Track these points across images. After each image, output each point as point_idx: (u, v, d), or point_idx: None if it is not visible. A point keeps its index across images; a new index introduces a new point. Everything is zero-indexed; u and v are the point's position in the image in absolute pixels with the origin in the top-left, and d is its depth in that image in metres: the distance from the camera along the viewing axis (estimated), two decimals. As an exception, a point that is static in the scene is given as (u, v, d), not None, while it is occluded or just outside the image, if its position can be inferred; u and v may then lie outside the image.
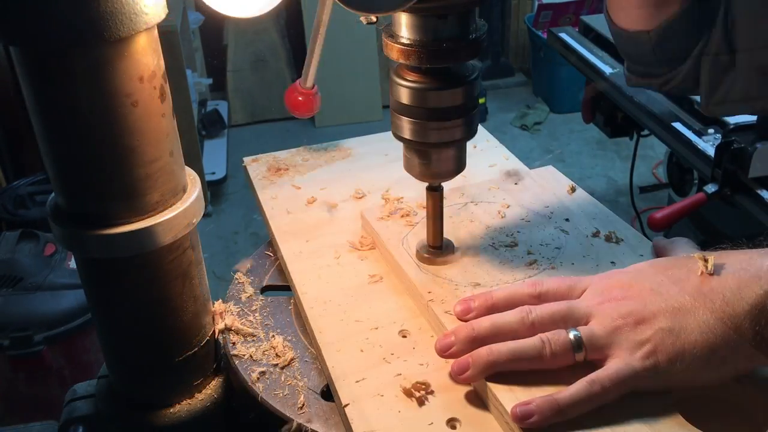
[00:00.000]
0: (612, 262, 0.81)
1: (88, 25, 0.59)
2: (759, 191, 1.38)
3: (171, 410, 0.79)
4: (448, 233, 0.84)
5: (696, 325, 0.62)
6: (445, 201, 0.82)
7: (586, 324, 0.67)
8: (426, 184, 0.80)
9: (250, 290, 0.89)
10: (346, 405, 0.67)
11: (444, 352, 0.69)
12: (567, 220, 0.89)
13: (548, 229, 0.88)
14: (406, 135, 0.75)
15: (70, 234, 0.69)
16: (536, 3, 4.17)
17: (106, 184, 0.67)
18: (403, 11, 0.68)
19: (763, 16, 0.78)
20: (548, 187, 0.96)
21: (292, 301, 0.87)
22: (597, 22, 2.11)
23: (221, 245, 3.21)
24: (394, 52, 0.71)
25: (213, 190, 3.54)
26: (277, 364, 0.77)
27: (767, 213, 1.36)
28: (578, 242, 0.85)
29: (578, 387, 0.62)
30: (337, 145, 1.13)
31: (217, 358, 0.84)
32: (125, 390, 0.82)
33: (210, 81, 4.00)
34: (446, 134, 0.74)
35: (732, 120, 1.50)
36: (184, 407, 0.80)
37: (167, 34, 2.74)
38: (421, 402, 0.67)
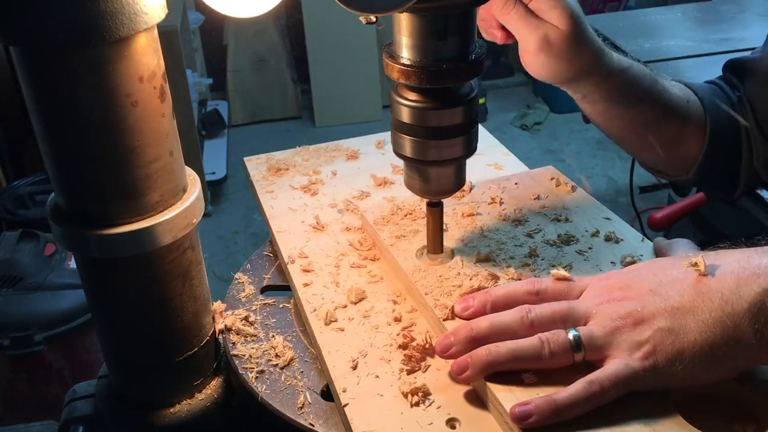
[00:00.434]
0: (612, 262, 0.81)
1: (88, 25, 0.59)
2: (759, 191, 1.38)
3: (171, 410, 0.79)
4: (446, 233, 0.85)
5: (695, 324, 0.62)
6: (443, 201, 0.82)
7: (585, 324, 0.66)
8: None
9: (250, 290, 0.89)
10: (346, 405, 0.68)
11: (444, 353, 0.69)
12: (567, 220, 0.89)
13: (548, 229, 0.88)
14: (407, 153, 0.76)
15: (70, 234, 0.69)
16: (536, 3, 4.17)
17: (106, 184, 0.67)
18: (402, 11, 0.68)
19: None
20: (548, 186, 0.96)
21: (292, 301, 0.87)
22: (597, 22, 2.12)
23: (221, 245, 3.21)
24: (394, 72, 0.72)
25: (213, 190, 3.55)
26: (277, 364, 0.77)
27: (767, 213, 1.36)
28: (578, 242, 0.85)
29: (577, 387, 0.62)
30: (337, 144, 1.14)
31: (217, 358, 0.84)
32: (125, 390, 0.82)
33: (210, 81, 4.00)
34: (446, 152, 0.75)
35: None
36: (184, 407, 0.80)
37: (167, 34, 2.74)
38: (420, 402, 0.67)
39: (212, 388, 0.82)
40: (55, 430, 0.87)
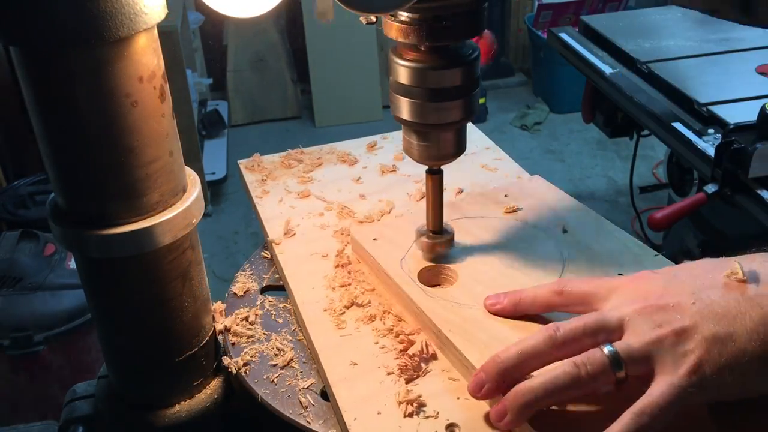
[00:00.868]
0: (619, 273, 0.77)
1: (88, 25, 0.59)
2: (759, 191, 1.38)
3: (171, 410, 0.79)
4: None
5: (744, 331, 0.56)
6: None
7: (620, 337, 0.60)
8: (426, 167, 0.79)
9: (250, 290, 0.89)
10: (344, 411, 0.67)
11: (477, 393, 0.64)
12: (565, 231, 0.86)
13: (548, 242, 0.84)
14: (405, 116, 0.73)
15: (70, 234, 0.69)
16: (536, 3, 4.18)
17: (106, 184, 0.67)
18: (403, 11, 0.68)
19: None
20: (540, 198, 0.93)
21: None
22: (597, 22, 2.11)
23: (221, 245, 3.21)
24: (393, 30, 0.69)
25: (213, 190, 3.55)
26: (276, 364, 0.77)
27: (767, 213, 1.36)
28: (580, 254, 0.82)
29: (626, 421, 0.56)
30: (332, 147, 1.13)
31: (217, 358, 0.84)
32: (125, 390, 0.82)
33: (210, 81, 4.00)
34: (446, 115, 0.73)
35: (732, 120, 1.50)
36: (184, 407, 0.80)
37: (167, 34, 2.74)
38: (419, 407, 0.67)
39: (212, 388, 0.82)
40: (55, 430, 0.87)
